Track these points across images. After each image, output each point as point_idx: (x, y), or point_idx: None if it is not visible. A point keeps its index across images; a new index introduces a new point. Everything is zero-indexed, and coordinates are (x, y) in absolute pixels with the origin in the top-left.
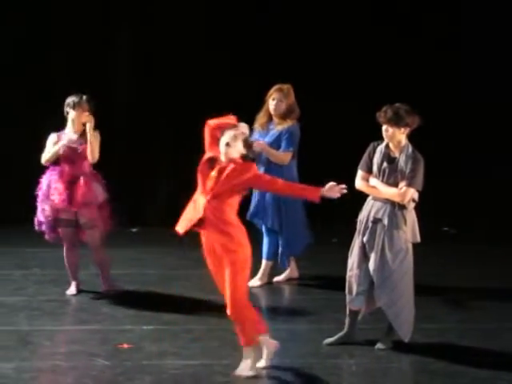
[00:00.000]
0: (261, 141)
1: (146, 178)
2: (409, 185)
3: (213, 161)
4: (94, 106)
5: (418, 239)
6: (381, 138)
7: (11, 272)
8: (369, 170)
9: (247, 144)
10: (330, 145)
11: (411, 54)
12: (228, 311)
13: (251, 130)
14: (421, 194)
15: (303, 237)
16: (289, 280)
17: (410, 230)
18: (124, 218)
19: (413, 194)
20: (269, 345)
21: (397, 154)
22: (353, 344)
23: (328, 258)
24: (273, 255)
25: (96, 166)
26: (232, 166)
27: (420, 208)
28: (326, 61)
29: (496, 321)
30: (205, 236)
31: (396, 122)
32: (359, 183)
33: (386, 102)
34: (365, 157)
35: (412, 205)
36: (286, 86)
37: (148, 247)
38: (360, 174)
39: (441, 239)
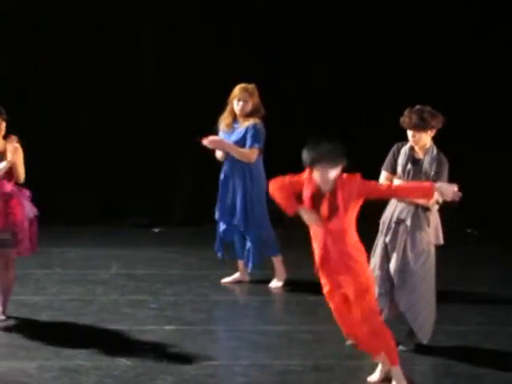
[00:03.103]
0: (221, 138)
1: (168, 177)
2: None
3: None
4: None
5: (441, 241)
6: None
7: (33, 271)
8: (393, 171)
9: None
10: None
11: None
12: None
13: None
14: None
15: (274, 235)
16: (277, 280)
17: (433, 231)
18: (145, 219)
19: (437, 196)
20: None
21: (421, 156)
22: None
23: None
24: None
25: (120, 168)
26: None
27: (443, 209)
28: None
29: None
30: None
31: (423, 127)
32: None
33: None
34: (389, 157)
35: (436, 207)
36: (250, 86)
37: (169, 247)
38: (384, 174)
39: (464, 241)
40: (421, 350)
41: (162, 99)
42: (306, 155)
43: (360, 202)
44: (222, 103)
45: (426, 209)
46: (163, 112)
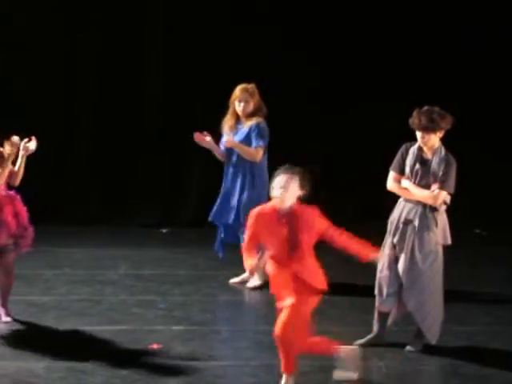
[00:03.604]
0: (230, 137)
1: (176, 178)
2: (441, 188)
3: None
4: None
5: (449, 241)
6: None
7: (42, 272)
8: (401, 172)
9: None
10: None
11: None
12: None
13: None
14: (452, 195)
15: None
16: None
17: (440, 232)
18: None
19: (445, 196)
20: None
21: (430, 156)
22: (383, 346)
23: (358, 259)
24: None
25: (128, 168)
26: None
27: (451, 210)
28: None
29: None
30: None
31: (432, 128)
32: (391, 184)
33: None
34: (397, 158)
35: (443, 207)
36: (250, 86)
37: (177, 248)
38: (392, 175)
39: (472, 241)
40: (428, 350)
41: (169, 99)
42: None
43: (315, 235)
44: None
45: (434, 209)
46: (172, 112)
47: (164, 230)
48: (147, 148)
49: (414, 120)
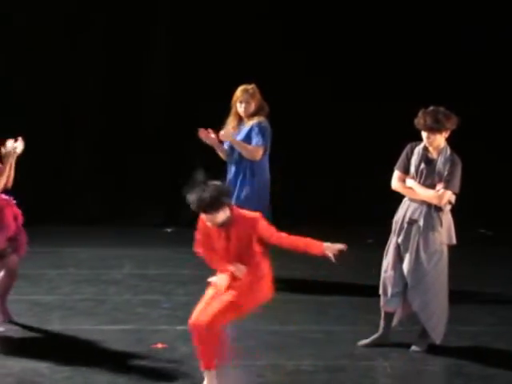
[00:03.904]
0: (226, 131)
1: (180, 177)
2: (446, 187)
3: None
4: None
5: (454, 241)
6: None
7: (46, 271)
8: (406, 171)
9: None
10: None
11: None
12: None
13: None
14: (457, 195)
15: None
16: None
17: (445, 231)
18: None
19: (450, 196)
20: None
21: (435, 156)
22: (387, 346)
23: (363, 259)
24: None
25: (131, 167)
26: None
27: (456, 209)
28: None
29: None
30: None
31: (437, 128)
32: (396, 184)
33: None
34: (402, 157)
35: (448, 207)
36: (250, 87)
37: (182, 247)
38: (397, 174)
39: (477, 241)
40: (433, 350)
41: (172, 99)
42: (190, 205)
43: (254, 239)
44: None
45: (439, 209)
46: (175, 112)
47: (168, 230)
48: (152, 148)
49: (419, 120)
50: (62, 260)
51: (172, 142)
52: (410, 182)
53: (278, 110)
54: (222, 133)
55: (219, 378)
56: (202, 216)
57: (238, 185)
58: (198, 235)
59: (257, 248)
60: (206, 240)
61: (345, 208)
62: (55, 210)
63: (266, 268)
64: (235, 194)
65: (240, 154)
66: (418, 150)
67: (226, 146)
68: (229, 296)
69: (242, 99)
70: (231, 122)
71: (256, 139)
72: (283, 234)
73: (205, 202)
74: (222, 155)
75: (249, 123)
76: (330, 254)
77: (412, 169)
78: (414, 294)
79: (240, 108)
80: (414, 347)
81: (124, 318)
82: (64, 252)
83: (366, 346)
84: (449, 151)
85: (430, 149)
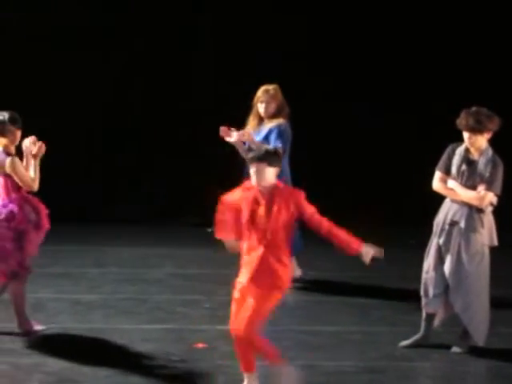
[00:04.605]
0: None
1: (221, 177)
2: (488, 189)
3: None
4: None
5: (496, 242)
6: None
7: (88, 270)
8: (447, 172)
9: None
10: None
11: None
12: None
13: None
14: (499, 196)
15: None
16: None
17: (487, 232)
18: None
19: (491, 198)
20: None
21: (476, 157)
22: (428, 347)
23: (405, 260)
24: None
25: (172, 168)
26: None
27: (498, 211)
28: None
29: None
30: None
31: (479, 129)
32: (437, 185)
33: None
34: (444, 158)
35: (490, 208)
36: (272, 87)
37: (223, 247)
38: (438, 175)
39: None
40: (474, 352)
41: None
42: (249, 156)
43: (292, 218)
44: None
45: (480, 210)
46: (214, 117)
47: (210, 230)
48: (190, 149)
49: (461, 121)
50: (103, 259)
51: (203, 142)
52: (451, 183)
53: (304, 112)
54: (240, 132)
55: (271, 377)
56: (252, 169)
57: None
58: (220, 216)
59: (289, 232)
60: (235, 214)
61: (384, 208)
62: (99, 210)
63: (288, 258)
64: None
65: None
66: (460, 150)
67: (246, 145)
68: (253, 300)
69: (263, 99)
70: (252, 122)
71: (274, 141)
72: (324, 218)
73: (263, 151)
74: (243, 155)
75: (268, 124)
76: (366, 259)
77: (453, 170)
78: (455, 296)
79: (260, 108)
80: (455, 348)
81: (165, 318)
82: (106, 251)
83: (407, 346)
84: (491, 152)
85: (472, 150)
